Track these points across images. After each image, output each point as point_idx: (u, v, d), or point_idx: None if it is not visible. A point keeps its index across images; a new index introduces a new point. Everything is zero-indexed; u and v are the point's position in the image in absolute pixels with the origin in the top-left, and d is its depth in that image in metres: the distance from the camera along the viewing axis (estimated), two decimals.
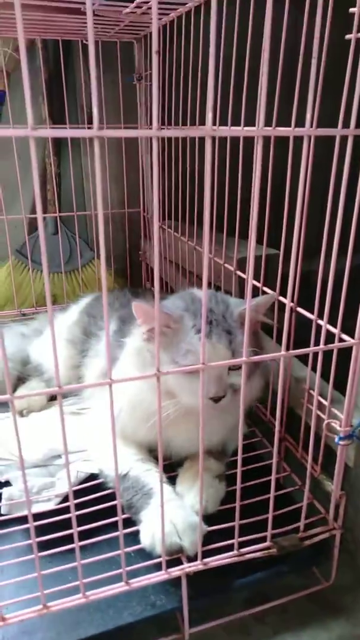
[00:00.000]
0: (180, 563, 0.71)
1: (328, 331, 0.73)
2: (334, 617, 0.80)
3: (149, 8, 1.04)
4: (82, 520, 0.74)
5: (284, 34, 0.76)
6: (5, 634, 0.68)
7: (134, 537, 0.74)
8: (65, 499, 0.82)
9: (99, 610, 0.70)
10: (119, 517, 0.62)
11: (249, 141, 0.53)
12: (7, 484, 0.89)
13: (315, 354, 0.74)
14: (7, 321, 1.47)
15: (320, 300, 0.75)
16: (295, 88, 0.76)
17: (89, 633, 0.68)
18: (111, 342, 0.92)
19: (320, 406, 0.80)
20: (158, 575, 0.69)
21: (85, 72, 1.50)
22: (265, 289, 0.92)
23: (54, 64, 1.48)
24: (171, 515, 0.71)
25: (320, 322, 0.75)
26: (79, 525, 0.60)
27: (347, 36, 0.61)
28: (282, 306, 0.82)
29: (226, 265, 1.08)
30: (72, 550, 0.63)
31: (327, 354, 0.72)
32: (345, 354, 0.69)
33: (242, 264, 1.06)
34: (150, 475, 0.81)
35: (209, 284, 1.16)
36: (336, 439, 0.73)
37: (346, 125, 0.59)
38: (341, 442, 0.73)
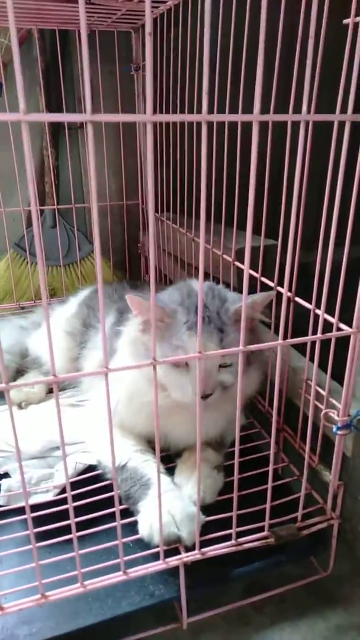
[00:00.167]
0: (178, 553, 0.71)
1: (326, 321, 0.73)
2: (332, 607, 0.81)
3: None
4: (81, 511, 0.74)
5: (281, 21, 0.75)
6: (5, 624, 0.68)
7: (132, 528, 0.74)
8: (64, 490, 0.82)
9: (97, 600, 0.71)
10: (117, 508, 0.62)
11: (248, 129, 0.52)
12: (6, 475, 0.89)
13: (313, 344, 0.74)
14: (7, 314, 1.47)
15: (318, 290, 0.74)
16: (293, 75, 0.75)
17: (87, 622, 0.68)
18: (109, 333, 0.92)
19: (318, 396, 0.80)
20: (156, 565, 0.70)
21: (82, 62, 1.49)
22: (263, 279, 0.92)
23: (51, 54, 1.47)
24: (169, 505, 0.72)
25: (318, 311, 0.75)
26: (78, 516, 0.61)
27: (345, 21, 0.61)
28: (280, 296, 0.81)
29: (224, 256, 1.07)
30: (70, 541, 0.63)
31: (325, 345, 0.72)
32: (343, 344, 0.68)
33: (240, 255, 1.05)
34: (149, 466, 0.81)
35: (207, 275, 1.16)
36: (334, 429, 0.73)
37: (344, 111, 0.58)
38: (339, 432, 0.73)
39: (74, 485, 0.81)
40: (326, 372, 0.77)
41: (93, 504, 0.78)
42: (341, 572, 0.84)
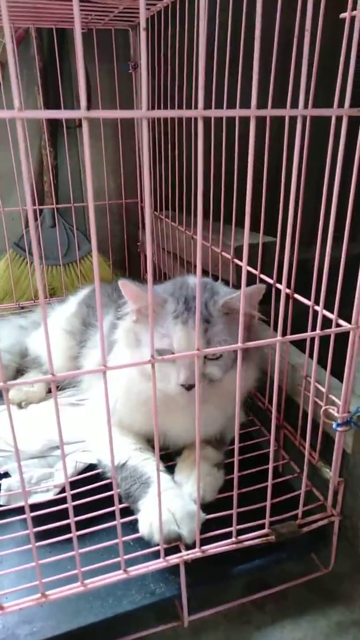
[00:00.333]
0: (179, 551, 0.71)
1: (325, 317, 0.72)
2: (333, 604, 0.80)
3: None
4: (81, 510, 0.74)
5: (278, 15, 0.74)
6: (6, 623, 0.68)
7: (132, 526, 0.74)
8: (65, 489, 0.82)
9: (98, 599, 0.71)
10: (117, 507, 0.62)
11: (246, 125, 0.51)
12: (6, 475, 0.89)
13: (312, 341, 0.73)
14: (6, 314, 1.47)
15: (317, 286, 0.74)
16: (290, 70, 0.75)
17: (88, 621, 0.68)
18: (108, 328, 0.91)
19: (318, 393, 0.79)
20: (156, 563, 0.70)
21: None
22: (262, 276, 0.92)
23: (49, 53, 1.47)
24: (169, 503, 0.71)
25: (317, 308, 0.75)
26: (78, 515, 0.61)
27: (342, 15, 0.60)
28: (279, 293, 0.81)
29: (223, 253, 1.07)
30: (71, 540, 0.63)
31: (325, 342, 0.71)
32: (343, 340, 0.68)
33: (239, 252, 1.05)
34: (149, 464, 0.81)
35: (206, 272, 1.15)
36: (334, 426, 0.73)
37: (341, 106, 0.57)
38: (339, 429, 0.73)
39: (74, 484, 0.81)
40: (326, 369, 0.76)
41: (93, 502, 0.78)
42: (342, 569, 0.84)
